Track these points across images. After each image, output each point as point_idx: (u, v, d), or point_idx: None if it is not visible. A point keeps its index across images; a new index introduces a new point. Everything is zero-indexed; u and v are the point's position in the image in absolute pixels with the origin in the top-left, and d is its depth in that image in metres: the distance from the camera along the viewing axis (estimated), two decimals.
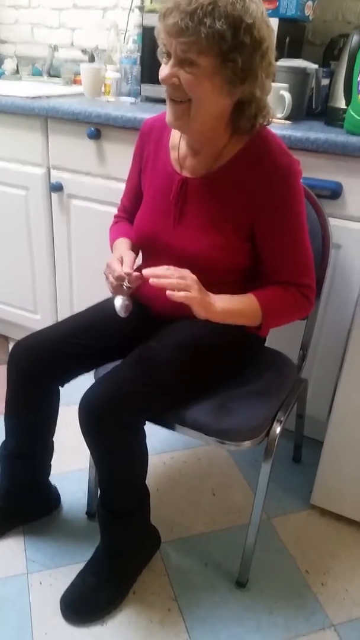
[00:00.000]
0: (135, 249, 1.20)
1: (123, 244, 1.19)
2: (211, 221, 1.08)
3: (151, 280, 0.92)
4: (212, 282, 1.08)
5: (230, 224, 1.07)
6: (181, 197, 1.10)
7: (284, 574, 1.29)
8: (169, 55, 0.94)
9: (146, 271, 0.94)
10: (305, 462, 1.62)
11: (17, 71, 2.37)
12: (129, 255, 1.10)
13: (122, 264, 1.07)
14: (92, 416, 1.04)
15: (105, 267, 1.10)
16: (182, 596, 1.23)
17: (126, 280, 1.04)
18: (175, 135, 1.13)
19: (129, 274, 1.03)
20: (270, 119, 1.04)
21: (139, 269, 1.06)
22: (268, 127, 1.06)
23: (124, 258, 1.08)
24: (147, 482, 1.16)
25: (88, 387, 1.06)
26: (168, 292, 0.91)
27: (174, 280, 0.92)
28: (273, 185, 1.02)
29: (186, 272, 0.96)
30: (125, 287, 1.04)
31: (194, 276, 0.96)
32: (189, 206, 1.10)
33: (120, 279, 1.04)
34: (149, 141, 1.18)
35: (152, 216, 1.15)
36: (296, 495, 1.51)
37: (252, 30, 0.89)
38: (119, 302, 1.06)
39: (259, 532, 1.21)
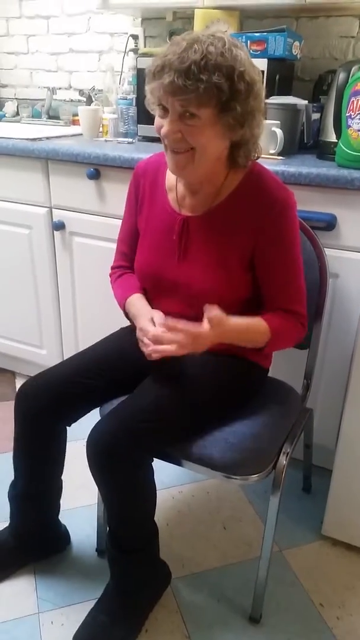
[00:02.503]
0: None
1: (144, 305, 1.19)
2: (214, 257, 1.11)
3: (152, 348, 1.03)
4: None
5: (233, 257, 1.10)
6: (184, 236, 1.13)
7: (298, 608, 1.28)
8: (164, 109, 0.98)
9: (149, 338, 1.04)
10: (315, 492, 1.61)
11: (17, 113, 2.45)
12: (158, 314, 1.12)
13: (153, 323, 1.09)
14: (99, 454, 1.04)
15: (137, 331, 1.12)
16: (195, 633, 1.21)
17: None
18: (170, 177, 1.16)
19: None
20: (259, 153, 1.09)
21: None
22: (259, 162, 1.10)
23: (154, 318, 1.10)
24: (156, 517, 1.16)
25: (95, 424, 1.07)
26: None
27: (173, 348, 1.01)
28: (271, 218, 1.06)
29: (200, 334, 0.99)
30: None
31: (205, 331, 0.99)
32: (192, 244, 1.13)
33: (156, 340, 1.04)
34: (143, 183, 1.21)
35: (154, 256, 1.17)
36: (307, 526, 1.50)
37: (245, 76, 0.93)
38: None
39: (271, 565, 1.20)
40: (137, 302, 1.20)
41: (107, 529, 1.16)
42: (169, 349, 1.01)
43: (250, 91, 0.95)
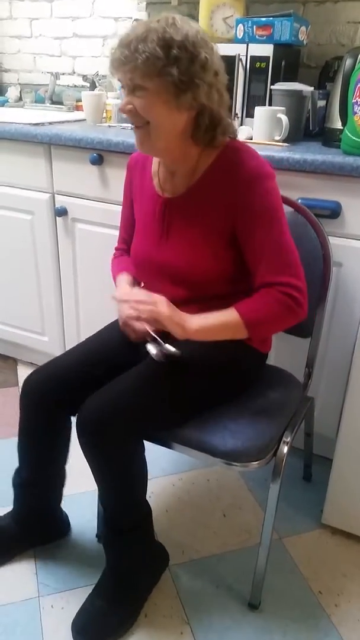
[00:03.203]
0: (137, 281, 1.26)
1: (123, 278, 1.27)
2: (196, 235, 1.11)
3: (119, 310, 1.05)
4: (209, 295, 1.10)
5: (214, 234, 1.10)
6: (166, 217, 1.15)
7: (297, 595, 1.28)
8: (123, 86, 1.02)
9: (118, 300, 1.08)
10: (315, 481, 1.62)
11: (20, 98, 2.43)
12: (128, 289, 1.19)
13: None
14: (87, 432, 1.05)
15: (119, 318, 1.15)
16: (194, 619, 1.22)
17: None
18: (155, 164, 1.19)
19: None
20: (234, 133, 1.10)
21: None
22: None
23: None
24: (156, 503, 1.17)
25: (83, 403, 1.08)
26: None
27: (133, 312, 1.02)
28: (245, 189, 1.05)
29: (153, 299, 1.02)
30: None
31: (161, 298, 1.02)
32: (174, 225, 1.14)
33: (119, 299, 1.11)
34: (135, 173, 1.24)
35: (143, 241, 1.19)
36: (307, 514, 1.50)
37: (186, 44, 0.96)
38: (153, 350, 1.08)
39: (271, 552, 1.21)
40: (120, 280, 1.27)
41: (102, 511, 1.17)
42: (132, 312, 1.03)
43: (193, 59, 0.96)
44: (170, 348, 1.07)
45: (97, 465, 1.10)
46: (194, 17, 1.79)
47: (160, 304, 1.01)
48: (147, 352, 1.09)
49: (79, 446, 1.07)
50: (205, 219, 1.10)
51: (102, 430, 1.04)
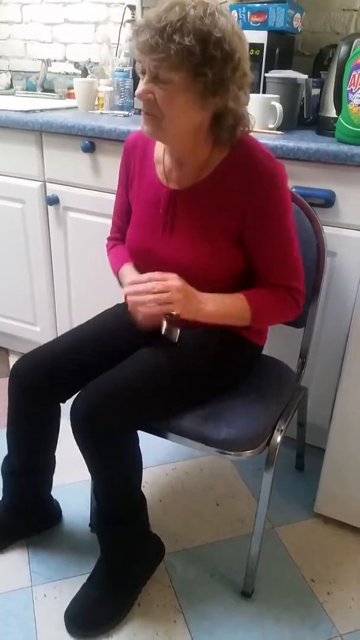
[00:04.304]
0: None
1: (130, 268, 1.21)
2: (201, 230, 1.09)
3: (129, 299, 0.99)
4: (208, 291, 1.09)
5: (219, 231, 1.08)
6: (170, 210, 1.12)
7: (290, 584, 1.29)
8: (144, 72, 0.96)
9: (128, 289, 1.00)
10: (308, 470, 1.62)
11: (11, 86, 2.39)
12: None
13: None
14: (81, 423, 1.04)
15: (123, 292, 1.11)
16: (187, 608, 1.22)
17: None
18: (159, 149, 1.14)
19: None
20: (251, 127, 1.06)
21: None
22: (252, 135, 1.08)
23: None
24: (149, 493, 1.16)
25: (77, 394, 1.07)
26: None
27: (150, 297, 0.98)
28: (258, 191, 1.04)
29: (170, 281, 0.99)
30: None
31: (177, 283, 0.99)
32: (178, 218, 1.11)
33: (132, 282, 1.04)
34: (134, 156, 1.19)
35: (143, 231, 1.16)
36: (300, 503, 1.51)
37: (222, 43, 0.90)
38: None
39: (263, 541, 1.21)
40: (126, 270, 1.21)
41: (96, 501, 1.17)
42: (146, 298, 0.99)
43: (227, 60, 0.92)
44: (175, 334, 1.07)
45: (91, 455, 1.09)
46: None
47: (174, 290, 0.99)
48: (144, 339, 1.07)
49: (72, 436, 1.06)
50: (212, 215, 1.08)
51: (97, 420, 1.03)
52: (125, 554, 1.19)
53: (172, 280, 1.00)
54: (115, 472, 1.10)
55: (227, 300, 1.07)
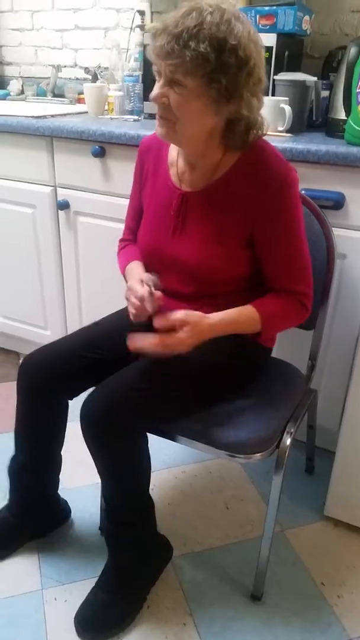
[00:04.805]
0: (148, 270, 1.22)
1: (139, 268, 1.20)
2: (211, 232, 1.10)
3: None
4: (216, 293, 1.10)
5: (230, 234, 1.08)
6: (182, 211, 1.12)
7: (300, 587, 1.28)
8: (160, 75, 0.97)
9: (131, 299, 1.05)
10: (318, 473, 1.61)
11: (22, 92, 2.42)
12: (147, 275, 1.11)
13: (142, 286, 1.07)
14: (91, 424, 1.05)
15: (125, 291, 1.10)
16: (197, 611, 1.22)
17: (148, 301, 1.02)
18: (173, 152, 1.15)
19: (151, 293, 1.02)
20: (265, 131, 1.06)
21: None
22: (265, 137, 1.08)
23: (143, 278, 1.09)
24: (158, 496, 1.17)
25: (87, 395, 1.08)
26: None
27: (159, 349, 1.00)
28: (270, 194, 1.04)
29: (175, 340, 0.99)
30: (150, 305, 1.02)
31: (180, 337, 1.00)
32: (190, 219, 1.12)
33: (142, 299, 1.03)
34: (147, 159, 1.20)
35: (154, 232, 1.17)
36: (310, 506, 1.50)
37: (237, 50, 0.91)
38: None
39: (273, 544, 1.21)
40: (133, 266, 1.21)
41: (105, 504, 1.17)
42: (146, 345, 1.01)
43: (241, 67, 0.93)
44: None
45: (101, 458, 1.09)
46: None
47: (185, 337, 1.00)
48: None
49: (81, 438, 1.07)
50: (223, 217, 1.08)
51: (107, 422, 1.03)
52: (133, 554, 1.19)
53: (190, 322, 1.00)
54: (124, 473, 1.11)
55: (235, 315, 1.07)
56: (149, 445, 1.12)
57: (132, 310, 1.07)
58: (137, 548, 1.19)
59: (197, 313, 1.02)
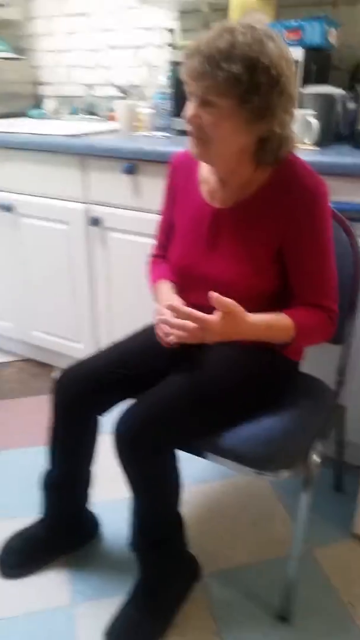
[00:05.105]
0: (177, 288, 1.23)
1: (169, 291, 1.21)
2: (243, 249, 1.10)
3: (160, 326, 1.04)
4: (246, 307, 1.09)
5: (261, 249, 1.09)
6: (214, 228, 1.13)
7: (328, 607, 1.25)
8: (192, 95, 0.99)
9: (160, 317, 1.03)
10: (347, 491, 1.58)
11: (57, 110, 2.49)
12: (176, 299, 1.14)
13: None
14: (124, 441, 1.06)
15: (155, 314, 1.12)
16: (224, 631, 1.21)
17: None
18: (204, 169, 1.17)
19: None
20: (294, 146, 1.06)
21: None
22: (294, 152, 1.08)
23: (172, 303, 1.09)
24: (185, 512, 1.16)
25: (121, 413, 1.08)
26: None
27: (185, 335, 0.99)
28: (301, 208, 1.04)
29: (208, 322, 0.97)
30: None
31: (214, 320, 0.97)
32: (222, 236, 1.12)
33: (165, 323, 1.03)
34: (179, 175, 1.22)
35: (186, 248, 1.18)
36: (338, 524, 1.47)
37: (269, 69, 0.91)
38: None
39: (301, 563, 1.19)
40: (163, 287, 1.22)
41: (135, 520, 1.17)
42: (178, 333, 1.00)
43: (273, 85, 0.93)
44: None
45: (133, 474, 1.10)
46: None
47: (211, 329, 0.98)
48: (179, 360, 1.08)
49: (111, 453, 1.07)
50: (255, 234, 1.09)
51: (140, 439, 1.04)
52: (163, 572, 1.19)
53: (212, 318, 0.98)
54: (155, 490, 1.11)
55: (268, 317, 1.06)
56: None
57: (162, 336, 1.09)
58: (167, 566, 1.19)
59: (242, 308, 1.00)
